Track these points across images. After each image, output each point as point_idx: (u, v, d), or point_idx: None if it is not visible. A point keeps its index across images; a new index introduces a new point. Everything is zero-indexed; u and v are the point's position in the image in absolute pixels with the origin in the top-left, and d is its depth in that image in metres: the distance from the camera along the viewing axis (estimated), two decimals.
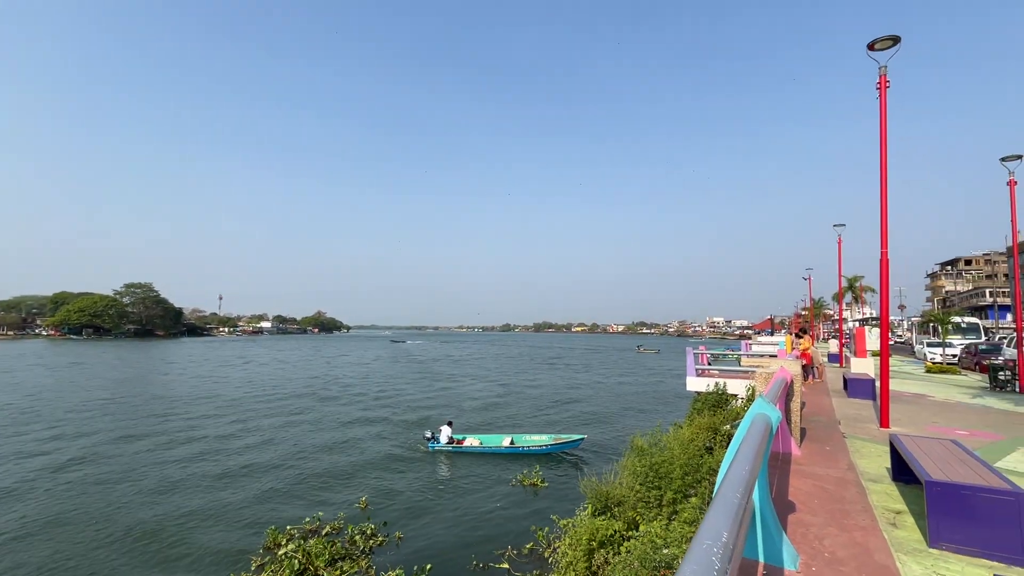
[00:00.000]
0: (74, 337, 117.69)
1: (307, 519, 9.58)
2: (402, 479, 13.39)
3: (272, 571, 7.44)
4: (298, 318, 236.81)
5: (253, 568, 7.73)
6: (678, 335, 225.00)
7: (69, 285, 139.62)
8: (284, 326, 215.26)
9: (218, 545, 9.27)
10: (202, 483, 12.90)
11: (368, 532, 9.20)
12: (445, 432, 16.30)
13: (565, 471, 14.18)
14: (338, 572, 7.57)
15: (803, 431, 7.54)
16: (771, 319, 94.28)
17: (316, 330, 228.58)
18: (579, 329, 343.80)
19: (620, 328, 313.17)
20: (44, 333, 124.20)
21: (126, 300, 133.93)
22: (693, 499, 6.00)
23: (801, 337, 16.23)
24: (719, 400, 13.99)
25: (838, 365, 22.08)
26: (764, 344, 32.72)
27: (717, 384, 14.60)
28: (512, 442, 16.33)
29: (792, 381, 6.97)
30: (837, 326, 42.08)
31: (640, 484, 8.10)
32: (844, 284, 45.15)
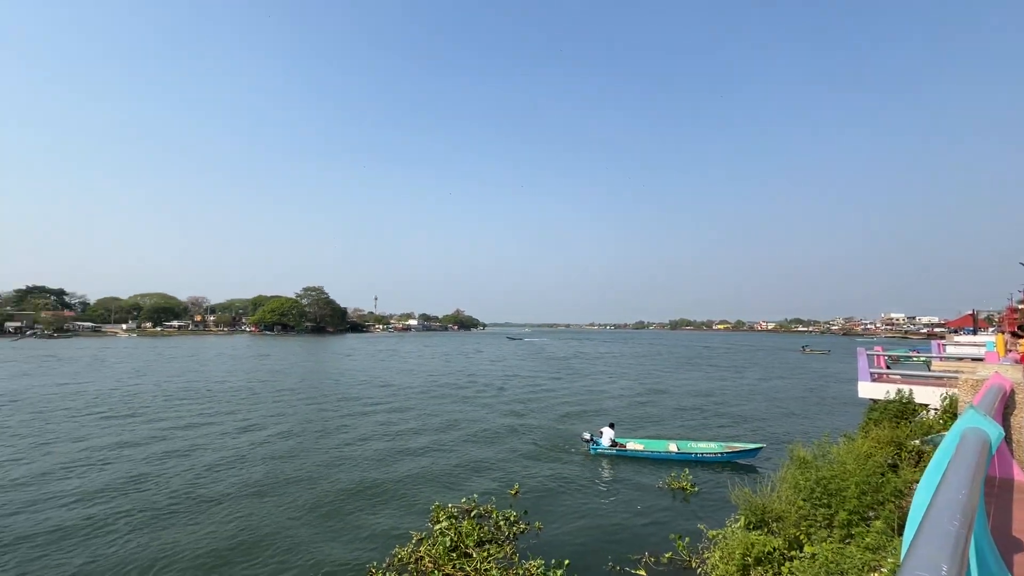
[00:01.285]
0: (268, 333, 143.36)
1: (464, 499, 10.42)
2: (551, 474, 13.65)
3: (429, 545, 8.20)
4: (440, 316, 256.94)
5: (413, 541, 8.59)
6: (843, 333, 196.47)
7: (263, 289, 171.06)
8: (428, 323, 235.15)
9: (387, 520, 10.46)
10: (375, 460, 14.67)
11: (511, 519, 9.65)
12: (608, 434, 15.57)
13: (714, 478, 13.25)
14: (485, 553, 8.05)
15: None
16: (973, 314, 77.49)
17: (455, 327, 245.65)
18: (722, 327, 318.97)
19: (770, 325, 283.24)
20: (247, 330, 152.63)
21: (304, 302, 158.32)
22: (876, 523, 5.21)
23: (1021, 336, 13.06)
24: (903, 410, 11.97)
25: None
26: (964, 345, 26.96)
27: (900, 391, 12.47)
28: (677, 448, 15.37)
29: (1012, 390, 5.66)
30: None
31: (804, 500, 7.29)
32: None
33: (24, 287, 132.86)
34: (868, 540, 4.58)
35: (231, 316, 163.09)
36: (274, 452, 15.47)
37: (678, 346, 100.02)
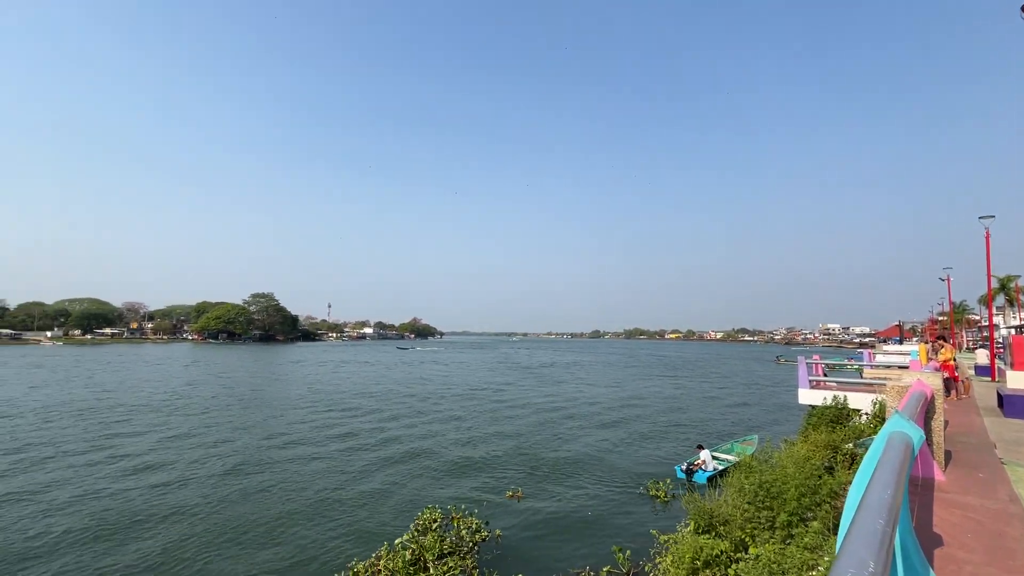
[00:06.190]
0: (212, 341, 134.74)
1: (450, 506, 10.21)
2: (549, 483, 13.68)
3: (388, 559, 8.00)
4: (396, 324, 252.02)
5: (375, 555, 8.36)
6: (785, 343, 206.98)
7: (209, 295, 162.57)
8: (384, 332, 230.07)
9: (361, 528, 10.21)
10: (353, 473, 14.39)
11: (474, 527, 9.57)
12: (705, 455, 14.27)
13: (687, 485, 13.47)
14: (445, 568, 7.96)
15: (947, 454, 6.64)
16: (899, 325, 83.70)
17: (412, 336, 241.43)
18: (673, 336, 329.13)
19: (719, 335, 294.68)
20: (189, 338, 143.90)
21: (252, 308, 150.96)
22: (814, 523, 5.55)
23: (942, 346, 14.23)
24: (838, 415, 12.78)
25: (989, 379, 19.03)
26: (891, 354, 29.17)
27: (836, 397, 13.33)
28: (728, 456, 15.87)
29: (932, 396, 6.19)
30: (985, 333, 36.19)
31: (748, 503, 7.65)
32: (995, 285, 38.87)
33: None
34: (807, 540, 4.88)
35: (171, 323, 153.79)
36: (227, 468, 14.74)
37: (639, 355, 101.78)
